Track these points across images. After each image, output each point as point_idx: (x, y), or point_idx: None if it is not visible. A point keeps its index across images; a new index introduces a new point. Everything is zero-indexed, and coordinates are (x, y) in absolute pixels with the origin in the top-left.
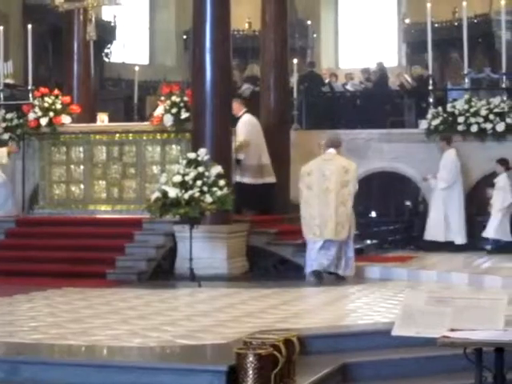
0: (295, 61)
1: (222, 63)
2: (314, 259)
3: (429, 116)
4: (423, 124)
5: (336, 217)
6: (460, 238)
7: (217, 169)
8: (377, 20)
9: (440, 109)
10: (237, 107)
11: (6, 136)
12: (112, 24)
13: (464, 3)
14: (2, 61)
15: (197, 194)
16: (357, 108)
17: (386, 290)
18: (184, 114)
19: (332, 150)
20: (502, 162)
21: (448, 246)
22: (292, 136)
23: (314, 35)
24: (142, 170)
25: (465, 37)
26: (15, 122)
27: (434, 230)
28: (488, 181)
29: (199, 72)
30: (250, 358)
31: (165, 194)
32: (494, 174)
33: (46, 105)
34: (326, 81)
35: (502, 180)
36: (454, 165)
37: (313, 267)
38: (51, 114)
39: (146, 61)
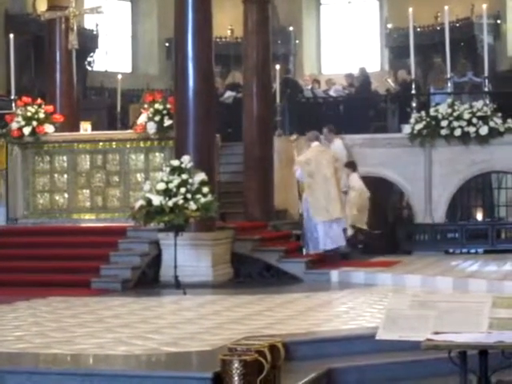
0: (278, 67)
1: (205, 70)
2: (328, 237)
3: (412, 120)
4: (406, 128)
5: (339, 198)
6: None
7: (200, 176)
8: (359, 25)
9: (423, 113)
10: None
11: None
12: (94, 32)
13: (446, 8)
14: None
15: (181, 202)
16: (340, 114)
17: (370, 294)
18: (167, 122)
19: (316, 143)
20: (349, 164)
21: None
22: (275, 142)
23: (297, 41)
24: (125, 178)
25: (447, 41)
26: None
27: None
28: (471, 185)
29: (182, 79)
30: (236, 365)
31: (149, 201)
32: (478, 178)
33: (29, 114)
34: (309, 87)
35: (353, 180)
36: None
37: (326, 246)
38: (34, 123)
39: (128, 69)
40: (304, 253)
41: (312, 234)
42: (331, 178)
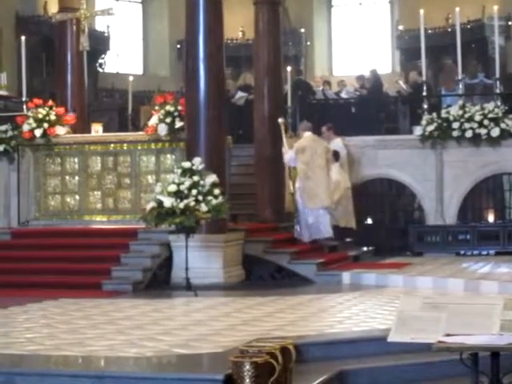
0: (289, 69)
1: (216, 72)
2: (323, 225)
3: (423, 122)
4: (418, 130)
5: (329, 188)
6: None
7: (212, 177)
8: (370, 27)
9: (434, 115)
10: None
11: (0, 148)
12: (105, 34)
13: (457, 9)
14: None
15: (192, 203)
16: (351, 115)
17: (382, 296)
18: (178, 124)
19: (309, 133)
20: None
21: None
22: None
23: (308, 43)
24: (136, 180)
25: (458, 43)
26: (9, 133)
27: None
28: (482, 186)
29: (193, 81)
30: (247, 367)
31: (160, 203)
32: (489, 179)
33: (40, 116)
34: (320, 88)
35: (333, 171)
36: None
37: (322, 234)
38: (45, 125)
39: (139, 71)
40: (296, 235)
41: (307, 221)
42: (324, 168)
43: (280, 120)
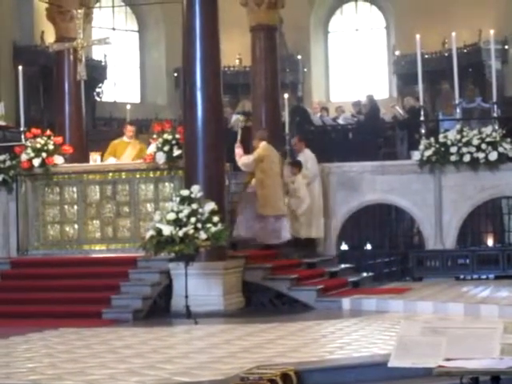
0: (286, 95)
1: (213, 100)
2: (282, 231)
3: (421, 147)
4: (416, 155)
5: (283, 196)
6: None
7: (210, 205)
8: (367, 53)
9: (432, 139)
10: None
11: None
12: (102, 63)
13: (453, 34)
14: None
15: (191, 231)
16: (349, 141)
17: (382, 321)
18: (176, 152)
19: (264, 142)
20: (296, 164)
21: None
22: (285, 171)
23: (305, 69)
24: (135, 209)
25: (455, 67)
26: (8, 163)
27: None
28: (481, 210)
29: (190, 109)
30: None
31: (159, 231)
32: (488, 203)
33: (38, 145)
34: (318, 115)
35: (300, 183)
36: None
37: (281, 239)
38: (44, 154)
39: (137, 99)
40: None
41: (265, 226)
42: (279, 175)
43: (241, 118)
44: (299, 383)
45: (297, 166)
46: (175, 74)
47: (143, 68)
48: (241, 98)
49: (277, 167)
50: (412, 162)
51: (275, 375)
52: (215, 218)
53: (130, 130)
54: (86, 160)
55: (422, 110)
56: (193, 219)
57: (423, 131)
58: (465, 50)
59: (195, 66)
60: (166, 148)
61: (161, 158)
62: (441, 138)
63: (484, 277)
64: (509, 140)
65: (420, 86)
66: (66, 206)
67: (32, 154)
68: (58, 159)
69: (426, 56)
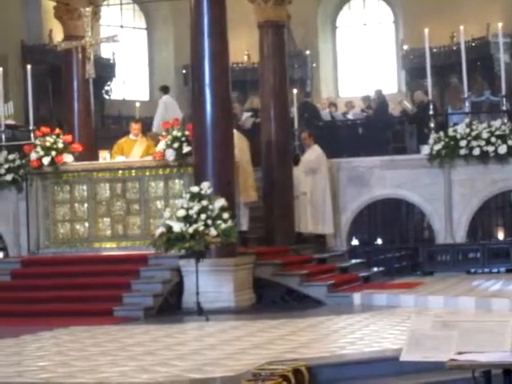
0: (295, 91)
1: (222, 96)
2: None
3: (430, 141)
4: (425, 149)
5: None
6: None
7: (220, 202)
8: (375, 47)
9: (441, 133)
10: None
11: (8, 177)
12: (111, 61)
13: (461, 27)
14: (3, 102)
15: (201, 228)
16: (358, 136)
17: (393, 316)
18: (186, 149)
19: (234, 131)
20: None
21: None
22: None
23: (313, 65)
24: (145, 206)
25: (463, 61)
26: (17, 162)
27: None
28: (491, 204)
29: (199, 106)
30: None
31: (169, 228)
32: (498, 196)
33: (48, 144)
34: (326, 110)
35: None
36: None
37: (244, 227)
38: (53, 153)
39: (146, 97)
40: None
41: None
42: (249, 164)
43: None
44: (311, 379)
45: (293, 160)
46: (184, 71)
47: (152, 65)
48: (249, 95)
49: (246, 155)
50: (421, 157)
51: (287, 371)
52: (225, 215)
53: (134, 127)
54: (96, 158)
55: (430, 104)
56: (203, 216)
57: (432, 125)
58: (473, 44)
59: (204, 63)
60: (176, 145)
61: (170, 155)
62: (450, 132)
63: (495, 270)
64: None
65: (429, 80)
66: (75, 205)
67: (41, 153)
68: (68, 157)
69: (435, 50)
